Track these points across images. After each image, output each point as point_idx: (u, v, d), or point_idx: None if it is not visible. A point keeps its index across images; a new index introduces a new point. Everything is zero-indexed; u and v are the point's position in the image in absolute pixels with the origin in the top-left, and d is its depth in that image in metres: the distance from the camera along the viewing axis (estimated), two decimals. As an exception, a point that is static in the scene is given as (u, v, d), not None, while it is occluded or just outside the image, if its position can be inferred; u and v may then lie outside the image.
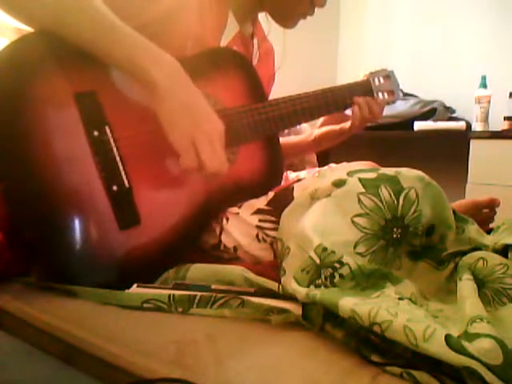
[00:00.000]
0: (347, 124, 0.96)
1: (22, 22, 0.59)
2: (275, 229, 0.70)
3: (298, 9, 0.84)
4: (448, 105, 2.22)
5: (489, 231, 0.70)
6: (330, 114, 0.92)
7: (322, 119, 1.00)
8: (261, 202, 0.75)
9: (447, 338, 0.37)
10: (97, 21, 0.57)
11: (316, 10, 0.86)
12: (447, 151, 2.30)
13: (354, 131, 0.96)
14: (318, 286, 0.50)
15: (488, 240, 0.62)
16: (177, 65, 0.60)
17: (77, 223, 0.58)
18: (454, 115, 2.23)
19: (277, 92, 0.94)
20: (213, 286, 0.58)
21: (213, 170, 0.60)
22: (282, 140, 0.87)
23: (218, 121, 0.62)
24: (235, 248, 0.73)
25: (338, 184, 0.59)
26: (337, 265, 0.50)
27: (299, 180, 0.78)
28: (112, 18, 0.58)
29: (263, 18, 0.90)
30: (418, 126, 2.12)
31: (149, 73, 0.57)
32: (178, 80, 0.60)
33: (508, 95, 1.98)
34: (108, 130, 0.61)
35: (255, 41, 0.91)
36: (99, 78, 0.63)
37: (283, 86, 1.05)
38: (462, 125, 2.07)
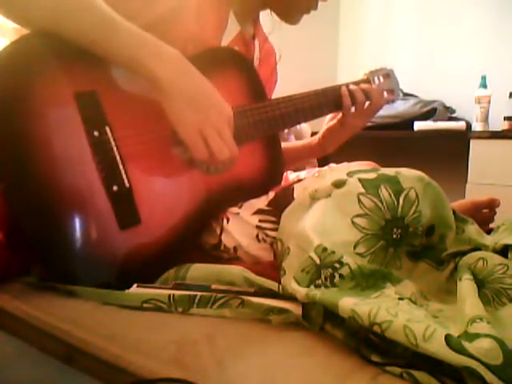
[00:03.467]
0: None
1: (21, 24, 0.59)
2: (275, 229, 0.69)
3: (302, 3, 0.84)
4: (448, 105, 2.22)
5: (489, 231, 0.70)
6: (330, 113, 0.91)
7: (327, 119, 0.98)
8: (261, 202, 0.74)
9: (447, 337, 0.37)
10: (97, 19, 0.57)
11: (316, 10, 0.86)
12: (447, 151, 2.30)
13: (356, 124, 0.90)
14: (317, 286, 0.50)
15: (488, 240, 0.62)
16: (179, 55, 0.60)
17: (77, 223, 0.58)
18: (454, 115, 2.23)
19: (277, 92, 0.94)
20: (213, 286, 0.58)
21: (224, 160, 0.61)
22: (285, 145, 0.86)
23: (226, 106, 0.62)
24: (235, 248, 0.73)
25: (338, 184, 0.59)
26: (337, 265, 0.50)
27: (299, 180, 0.78)
28: (112, 16, 0.58)
29: (266, 15, 0.89)
30: (418, 126, 2.13)
31: (150, 68, 0.57)
32: (181, 71, 0.60)
33: (508, 95, 1.98)
34: (108, 130, 0.61)
35: (256, 42, 0.90)
36: (99, 78, 0.63)
37: (283, 86, 1.05)
38: (462, 125, 2.07)
